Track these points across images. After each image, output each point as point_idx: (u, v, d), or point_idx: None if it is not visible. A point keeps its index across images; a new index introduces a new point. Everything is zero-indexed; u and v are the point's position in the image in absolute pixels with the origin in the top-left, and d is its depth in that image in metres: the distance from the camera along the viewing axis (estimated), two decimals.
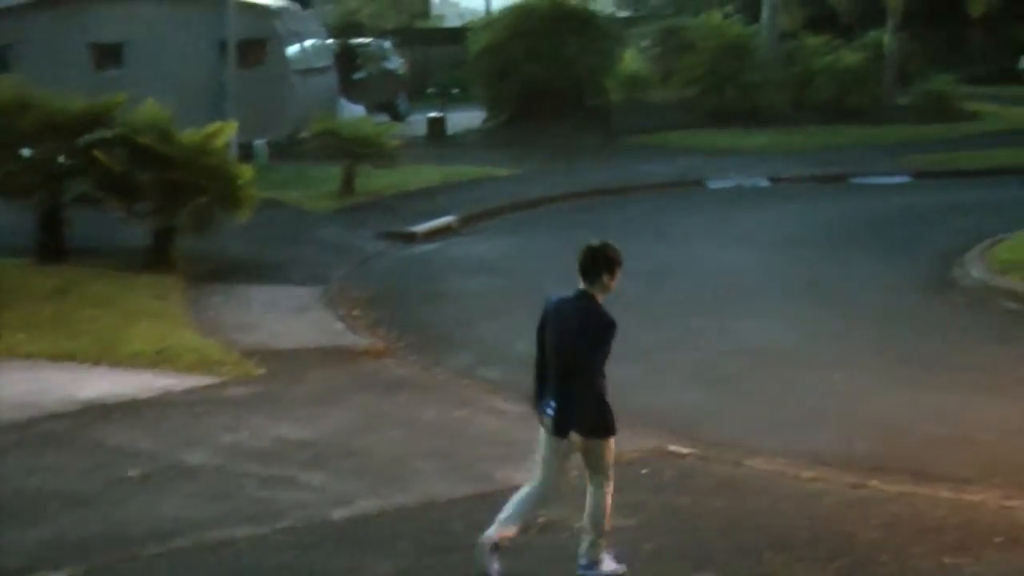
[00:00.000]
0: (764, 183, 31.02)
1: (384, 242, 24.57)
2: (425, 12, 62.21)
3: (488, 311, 19.65)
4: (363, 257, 23.48)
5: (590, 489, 9.59)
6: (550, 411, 9.34)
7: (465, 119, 38.31)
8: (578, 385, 9.25)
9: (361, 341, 17.48)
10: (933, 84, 42.18)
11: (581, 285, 9.67)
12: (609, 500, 9.59)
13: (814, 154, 34.55)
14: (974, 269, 21.74)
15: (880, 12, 41.70)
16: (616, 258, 9.73)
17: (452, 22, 51.62)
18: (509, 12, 39.30)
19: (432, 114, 37.43)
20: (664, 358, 17.17)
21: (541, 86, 36.37)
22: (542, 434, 9.51)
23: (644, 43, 41.44)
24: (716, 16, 40.52)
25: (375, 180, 28.71)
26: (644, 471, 12.24)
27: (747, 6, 42.53)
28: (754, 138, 36.26)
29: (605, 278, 9.68)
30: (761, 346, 17.78)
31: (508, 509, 9.53)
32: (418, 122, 37.90)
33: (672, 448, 13.02)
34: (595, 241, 9.84)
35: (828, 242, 24.49)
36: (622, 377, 16.47)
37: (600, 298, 9.65)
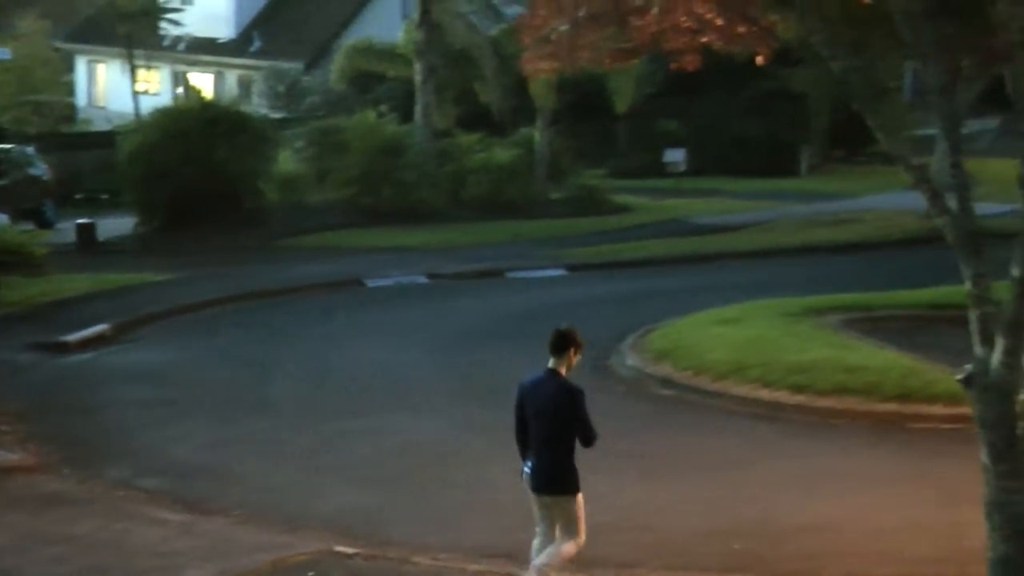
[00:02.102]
0: (423, 280, 31.19)
1: (35, 353, 23.64)
2: (71, 116, 60.82)
3: (146, 420, 19.10)
4: (12, 369, 22.55)
5: (558, 535, 11.63)
6: (528, 470, 11.62)
7: (117, 225, 37.39)
8: (554, 449, 11.50)
9: (11, 457, 16.72)
10: (584, 178, 43.30)
11: (550, 364, 11.80)
12: (573, 550, 11.56)
13: (471, 250, 34.98)
14: (629, 357, 22.25)
15: (531, 109, 42.66)
16: (580, 340, 11.86)
17: (100, 126, 50.48)
18: (160, 115, 38.70)
19: (81, 221, 36.40)
20: (327, 460, 16.97)
21: (196, 189, 35.82)
22: (529, 493, 11.67)
23: (299, 144, 41.31)
24: (370, 116, 40.74)
25: (23, 290, 27.68)
26: (311, 574, 11.99)
27: (400, 105, 42.91)
28: (412, 236, 36.50)
29: (571, 354, 11.77)
30: (421, 443, 17.76)
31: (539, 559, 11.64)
32: (67, 229, 36.81)
33: (339, 549, 12.82)
34: (563, 326, 12.01)
35: (486, 336, 24.71)
36: (285, 481, 16.35)
37: (565, 373, 11.72)
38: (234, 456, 17.07)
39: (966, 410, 11.49)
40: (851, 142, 52.49)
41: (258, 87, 53.79)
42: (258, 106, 48.82)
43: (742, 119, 50.91)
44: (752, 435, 18.17)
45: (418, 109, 41.38)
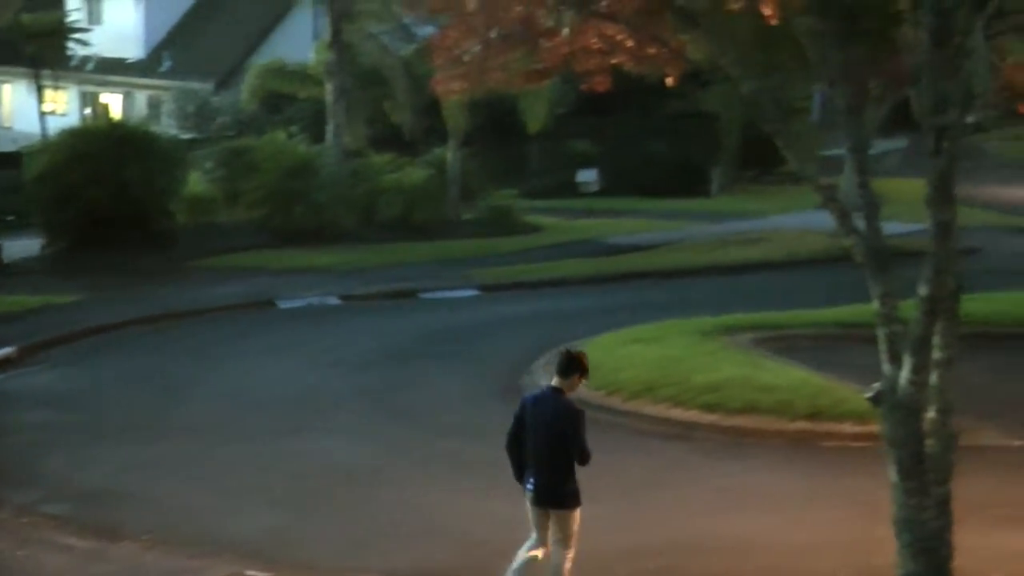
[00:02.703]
0: (335, 301, 31.04)
1: None
2: None
3: (54, 444, 18.84)
4: None
5: (554, 549, 12.02)
6: (530, 487, 12.04)
7: (24, 247, 36.89)
8: (555, 465, 11.93)
9: None
10: (496, 199, 43.33)
11: (554, 382, 12.15)
12: (569, 564, 11.99)
13: (384, 270, 34.86)
14: (542, 377, 22.23)
15: (443, 130, 42.65)
16: (587, 364, 12.20)
17: (6, 147, 49.82)
18: (68, 135, 38.26)
19: None
20: (242, 481, 16.83)
21: (104, 211, 35.44)
22: (528, 504, 12.07)
23: (209, 165, 41.02)
24: (281, 136, 40.54)
25: None
26: None
27: (311, 126, 42.76)
28: (324, 256, 36.32)
29: (576, 378, 12.11)
30: (337, 464, 17.67)
31: (516, 561, 12.09)
32: None
33: (250, 573, 12.71)
34: (571, 348, 12.53)
35: (400, 357, 24.65)
36: (198, 503, 16.19)
37: (568, 394, 12.06)
38: (146, 479, 16.90)
39: (876, 428, 11.60)
40: (761, 162, 52.97)
41: (168, 107, 53.41)
42: (168, 127, 48.46)
43: (653, 139, 51.23)
44: (665, 454, 18.24)
45: (329, 129, 41.25)
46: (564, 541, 12.08)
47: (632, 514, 15.59)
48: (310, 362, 24.24)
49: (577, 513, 12.08)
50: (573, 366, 12.09)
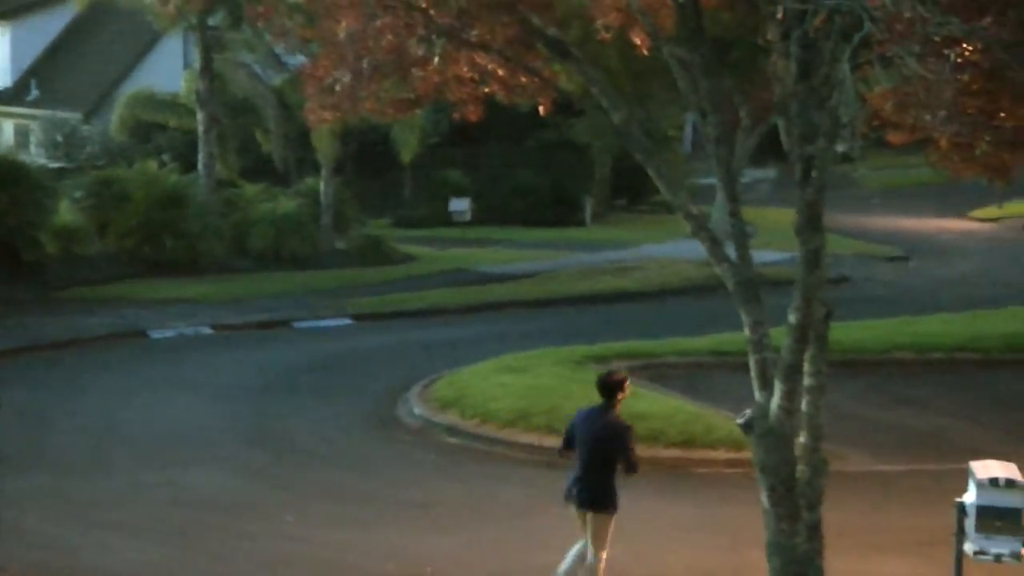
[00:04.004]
0: (208, 331, 30.72)
1: None
2: None
3: None
4: None
5: (589, 551, 13.17)
6: (574, 491, 13.25)
7: None
8: (599, 475, 13.19)
9: None
10: (369, 228, 43.17)
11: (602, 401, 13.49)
12: (603, 565, 13.07)
13: (256, 301, 34.58)
14: (416, 406, 22.20)
15: (315, 159, 42.43)
16: (624, 381, 13.69)
17: None
18: None
19: None
20: (113, 514, 16.55)
21: None
22: (572, 509, 13.29)
23: (78, 194, 40.39)
24: (151, 166, 40.06)
25: None
26: None
27: (182, 155, 42.33)
28: (195, 287, 35.93)
29: (619, 396, 13.52)
30: (211, 496, 17.45)
31: (566, 563, 13.36)
32: None
33: None
34: (606, 375, 13.94)
35: (273, 387, 24.43)
36: (66, 536, 15.89)
37: (617, 409, 13.49)
38: (12, 513, 16.51)
39: (748, 455, 11.70)
40: (633, 191, 53.39)
41: (36, 136, 52.51)
42: (36, 156, 47.65)
43: (526, 169, 51.39)
44: (538, 483, 18.22)
45: (201, 159, 40.89)
46: (598, 543, 13.21)
47: (502, 542, 15.57)
48: (182, 393, 23.93)
49: (612, 519, 13.30)
50: (613, 389, 13.55)
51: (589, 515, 13.32)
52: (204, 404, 23.09)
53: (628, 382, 13.81)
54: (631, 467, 13.39)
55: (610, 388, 13.54)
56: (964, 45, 9.70)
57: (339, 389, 24.12)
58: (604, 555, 13.22)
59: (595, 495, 13.30)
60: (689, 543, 15.41)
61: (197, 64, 41.67)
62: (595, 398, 20.86)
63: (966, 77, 9.85)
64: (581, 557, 13.39)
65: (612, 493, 13.33)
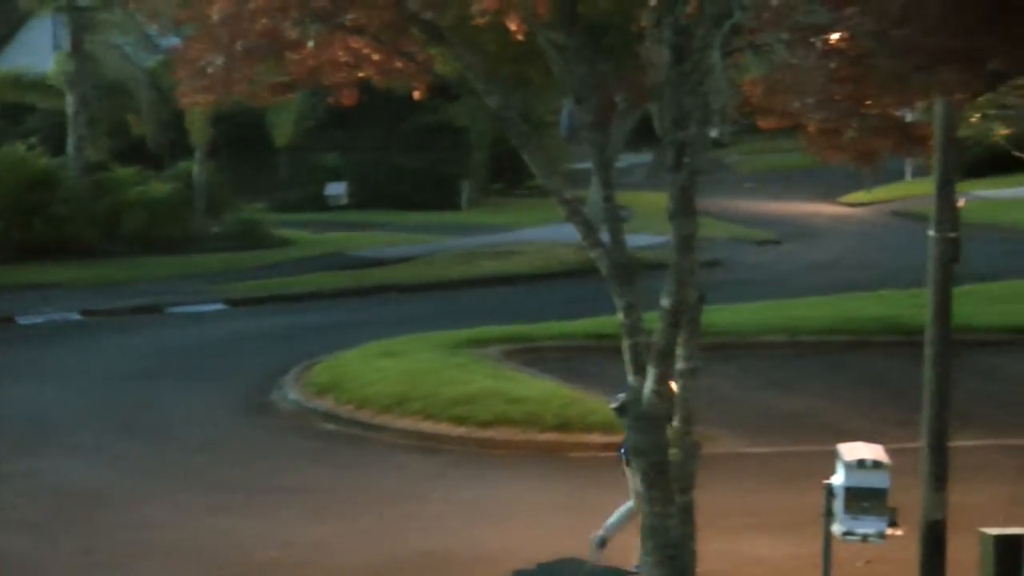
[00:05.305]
0: (77, 317, 30.32)
1: None
2: None
3: None
4: None
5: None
6: (623, 449, 12.88)
7: None
8: None
9: None
10: (244, 212, 42.87)
11: None
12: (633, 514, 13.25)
13: (128, 285, 34.17)
14: (291, 392, 22.07)
15: (189, 142, 42.02)
16: None
17: None
18: None
19: None
20: None
21: None
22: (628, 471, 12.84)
23: None
24: (19, 149, 39.38)
25: None
26: None
27: (52, 137, 41.67)
28: (65, 271, 35.41)
29: None
30: (79, 485, 17.23)
31: (614, 516, 13.95)
32: None
33: None
34: None
35: (144, 374, 24.14)
36: None
37: None
38: None
39: (622, 438, 11.78)
40: (511, 175, 53.52)
41: None
42: None
43: (403, 152, 51.32)
44: (415, 468, 18.24)
45: (71, 142, 40.30)
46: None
47: (380, 528, 15.54)
48: (51, 380, 23.58)
49: None
50: None
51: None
52: (73, 392, 22.76)
53: None
54: None
55: None
56: (831, 33, 9.83)
57: (213, 375, 23.90)
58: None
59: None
60: (564, 527, 15.48)
61: (67, 45, 41.04)
62: (473, 382, 20.99)
63: (833, 64, 9.98)
64: (632, 515, 13.49)
65: None
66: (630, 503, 13.50)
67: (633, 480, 12.32)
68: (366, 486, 17.27)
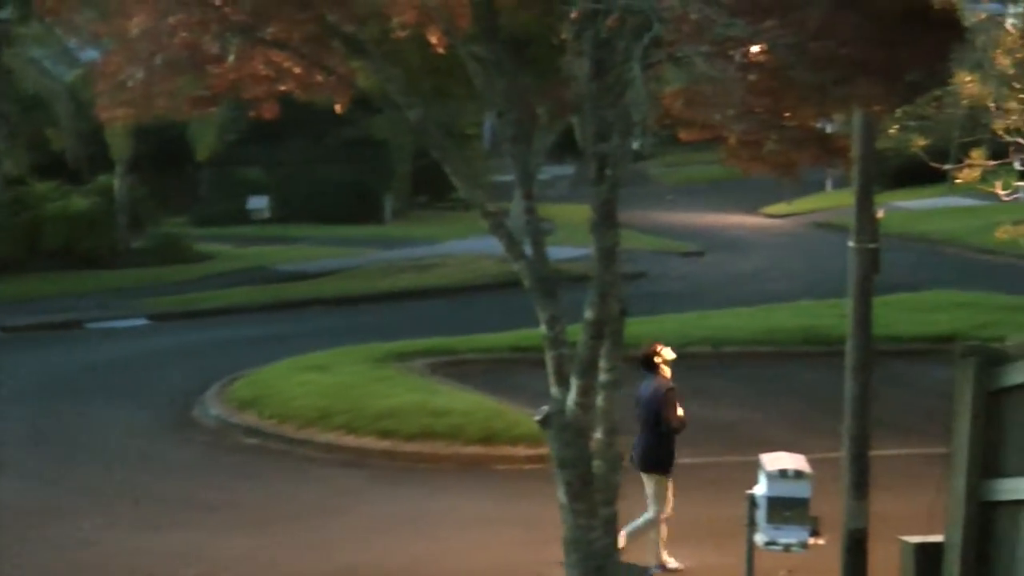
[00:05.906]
0: None
1: None
2: None
3: None
4: None
5: (648, 504, 14.20)
6: (632, 454, 14.08)
7: None
8: (648, 436, 14.27)
9: None
10: (166, 227, 42.61)
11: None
12: (655, 524, 14.16)
13: (48, 301, 33.86)
14: (213, 407, 21.93)
15: (109, 157, 41.70)
16: (653, 348, 14.68)
17: None
18: None
19: None
20: None
21: None
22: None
23: None
24: None
25: None
26: None
27: None
28: None
29: (657, 361, 14.50)
30: (0, 503, 16.99)
31: (635, 523, 14.15)
32: None
33: None
34: (645, 350, 14.69)
35: (66, 390, 23.89)
36: None
37: (665, 373, 14.52)
38: None
39: (546, 450, 11.79)
40: (434, 188, 53.51)
41: None
42: None
43: (326, 166, 51.19)
44: (339, 482, 18.17)
45: None
46: (654, 500, 14.19)
47: (302, 542, 15.46)
48: None
49: (666, 479, 14.27)
50: (649, 359, 14.56)
51: (643, 476, 14.29)
52: None
53: (659, 346, 14.72)
54: (668, 427, 14.27)
55: (646, 360, 14.56)
56: (750, 46, 9.89)
57: (134, 390, 23.70)
58: (659, 514, 14.17)
59: (645, 456, 14.29)
60: (489, 540, 15.48)
61: None
62: (397, 395, 20.94)
63: (753, 77, 10.03)
64: (650, 524, 14.28)
65: (662, 454, 14.27)
66: (648, 514, 14.26)
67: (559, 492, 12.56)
68: (290, 501, 17.18)
